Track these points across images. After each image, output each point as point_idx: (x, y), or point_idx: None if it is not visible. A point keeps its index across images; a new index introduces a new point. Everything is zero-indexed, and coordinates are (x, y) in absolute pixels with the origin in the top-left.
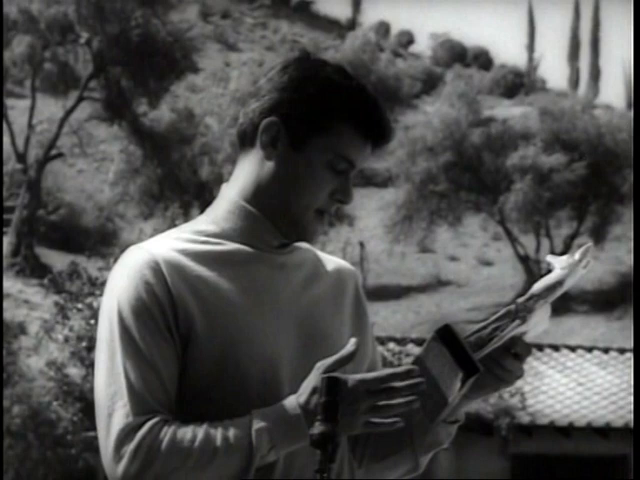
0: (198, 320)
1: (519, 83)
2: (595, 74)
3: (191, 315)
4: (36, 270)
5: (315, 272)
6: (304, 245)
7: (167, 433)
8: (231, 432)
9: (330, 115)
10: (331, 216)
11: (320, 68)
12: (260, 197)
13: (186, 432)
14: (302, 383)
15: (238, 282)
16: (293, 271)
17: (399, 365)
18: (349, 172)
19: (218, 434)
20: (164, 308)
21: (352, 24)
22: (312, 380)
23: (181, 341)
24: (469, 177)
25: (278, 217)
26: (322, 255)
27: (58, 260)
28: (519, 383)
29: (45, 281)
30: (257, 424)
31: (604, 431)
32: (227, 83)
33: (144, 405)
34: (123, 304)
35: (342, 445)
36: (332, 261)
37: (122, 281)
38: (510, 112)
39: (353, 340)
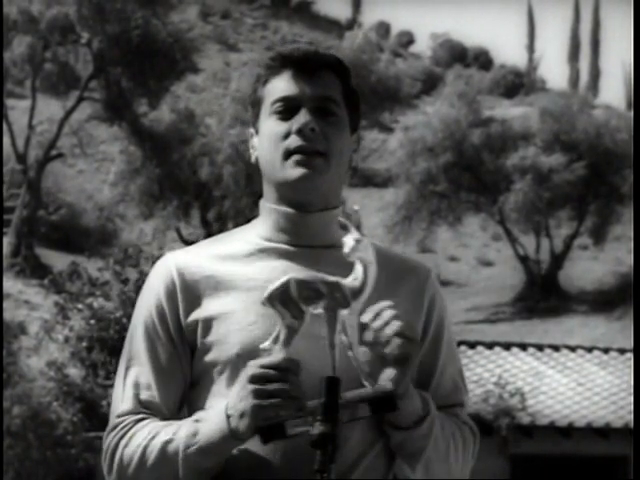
0: (214, 328)
1: (519, 83)
2: (595, 74)
3: (204, 324)
4: (36, 270)
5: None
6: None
7: (126, 436)
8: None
9: (260, 86)
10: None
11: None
12: (266, 190)
13: (142, 432)
14: (320, 385)
15: (262, 281)
16: (330, 268)
17: None
18: (299, 109)
19: (161, 434)
20: (171, 319)
21: (352, 24)
22: (238, 385)
23: (191, 349)
24: (469, 177)
25: (277, 194)
26: (388, 252)
27: (58, 260)
28: (519, 383)
29: (45, 281)
30: (189, 427)
31: (604, 431)
32: (227, 83)
33: (131, 409)
34: (136, 314)
35: (364, 441)
36: (400, 259)
37: (144, 288)
38: (510, 112)
39: None
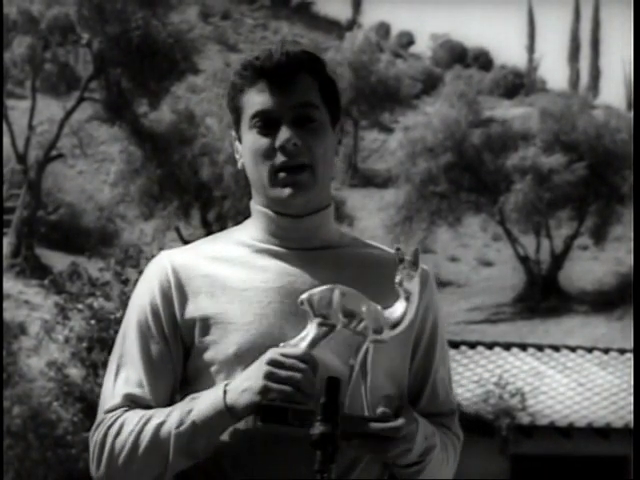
0: (212, 328)
1: (519, 84)
2: (595, 74)
3: (201, 324)
4: (36, 271)
5: (364, 270)
6: (358, 243)
7: (115, 424)
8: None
9: (237, 95)
10: (295, 169)
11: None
12: (254, 194)
13: (133, 419)
14: (321, 383)
15: (258, 282)
16: (325, 269)
17: None
18: (279, 123)
19: (155, 417)
20: (164, 316)
21: (352, 25)
22: (253, 365)
23: (184, 348)
24: (469, 178)
25: (265, 201)
26: (385, 254)
27: (58, 261)
28: (519, 383)
29: (45, 282)
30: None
31: (604, 432)
32: (228, 84)
33: (120, 404)
34: (129, 312)
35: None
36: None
37: (137, 286)
38: (510, 113)
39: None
